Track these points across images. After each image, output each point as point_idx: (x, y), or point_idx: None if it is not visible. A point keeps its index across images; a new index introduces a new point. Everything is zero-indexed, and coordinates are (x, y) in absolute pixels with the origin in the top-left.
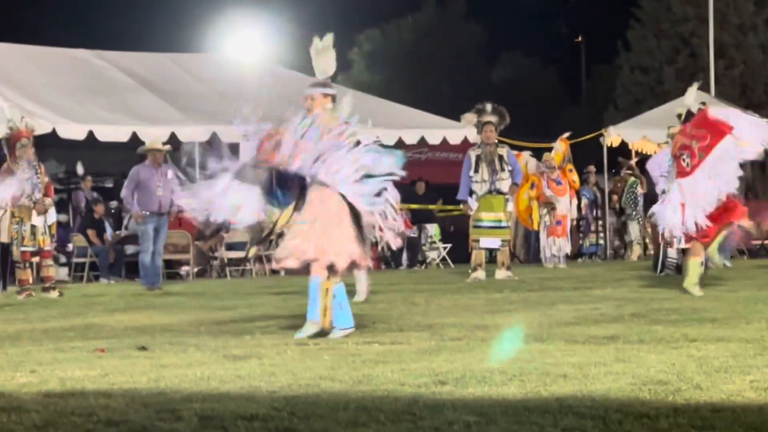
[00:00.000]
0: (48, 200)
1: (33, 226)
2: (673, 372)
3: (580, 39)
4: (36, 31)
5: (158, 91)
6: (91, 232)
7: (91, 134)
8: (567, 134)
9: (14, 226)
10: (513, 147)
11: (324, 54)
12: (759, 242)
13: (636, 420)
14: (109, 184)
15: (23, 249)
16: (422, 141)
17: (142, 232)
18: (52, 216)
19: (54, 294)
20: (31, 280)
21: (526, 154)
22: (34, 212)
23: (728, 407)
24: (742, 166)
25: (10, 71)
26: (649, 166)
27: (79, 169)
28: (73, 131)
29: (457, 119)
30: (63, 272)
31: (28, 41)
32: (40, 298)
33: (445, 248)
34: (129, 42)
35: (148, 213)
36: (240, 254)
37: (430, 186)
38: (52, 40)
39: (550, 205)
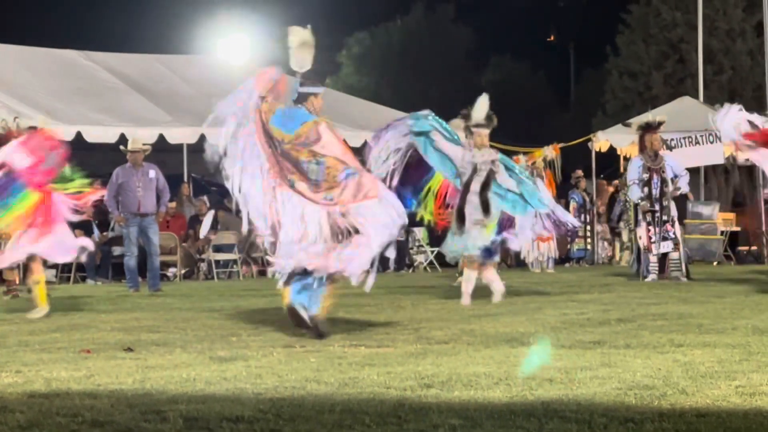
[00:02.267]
0: None
1: None
2: (659, 377)
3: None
4: (24, 32)
5: (146, 93)
6: (78, 233)
7: (78, 135)
8: (560, 145)
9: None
10: (502, 152)
11: (305, 48)
12: (746, 248)
13: (621, 424)
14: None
15: None
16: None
17: (126, 234)
18: None
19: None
20: (18, 281)
21: (523, 159)
22: None
23: (713, 412)
24: (730, 172)
25: None
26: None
27: (67, 171)
28: (60, 132)
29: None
30: (50, 273)
31: (16, 42)
32: (26, 299)
33: (432, 252)
34: (117, 43)
35: (130, 215)
36: (227, 256)
37: None
38: (40, 40)
39: None
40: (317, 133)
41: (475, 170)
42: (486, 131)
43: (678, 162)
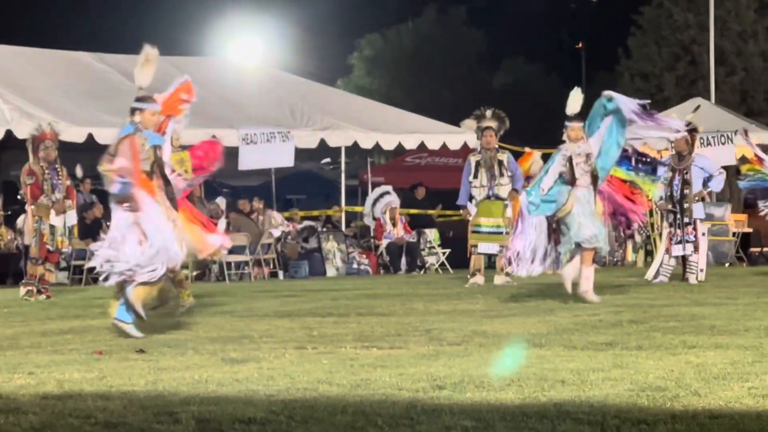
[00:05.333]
0: (68, 201)
1: (52, 226)
2: (672, 378)
3: (580, 46)
4: (37, 34)
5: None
6: (87, 241)
7: (90, 137)
8: None
9: (34, 224)
10: (514, 153)
11: (145, 66)
12: (758, 250)
13: (634, 426)
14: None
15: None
16: (422, 146)
17: None
18: (72, 218)
19: (41, 297)
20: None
21: (537, 154)
22: (52, 212)
23: (726, 414)
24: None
25: (11, 73)
26: None
27: (79, 172)
28: (72, 134)
29: (458, 125)
30: (62, 275)
31: (29, 44)
32: (38, 300)
33: (444, 253)
34: (130, 45)
35: None
36: (239, 258)
37: (430, 191)
38: (53, 42)
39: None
40: (116, 149)
41: (570, 164)
42: (581, 124)
43: (711, 162)
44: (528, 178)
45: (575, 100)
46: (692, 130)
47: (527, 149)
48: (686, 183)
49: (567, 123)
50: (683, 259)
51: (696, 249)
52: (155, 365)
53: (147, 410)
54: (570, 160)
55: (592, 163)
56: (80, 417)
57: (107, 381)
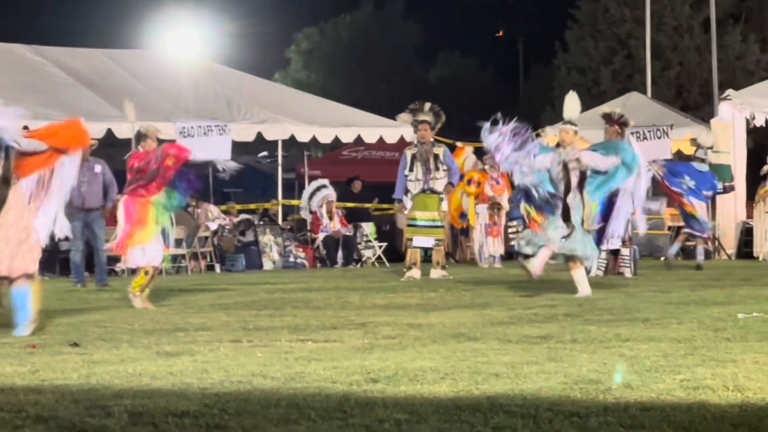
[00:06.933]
0: None
1: None
2: (605, 371)
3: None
4: None
5: (94, 87)
6: None
7: (26, 130)
8: None
9: None
10: (449, 147)
11: None
12: (693, 244)
13: (566, 418)
14: None
15: None
16: (359, 140)
17: (70, 229)
18: None
19: None
20: None
21: (469, 149)
22: None
23: (658, 406)
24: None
25: None
26: None
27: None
28: None
29: (394, 118)
30: None
31: None
32: None
33: (380, 247)
34: (65, 37)
35: (74, 210)
36: (175, 251)
37: (366, 185)
38: None
39: (497, 205)
40: None
41: (566, 169)
42: (574, 128)
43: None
44: (462, 175)
45: (573, 103)
46: (623, 124)
47: (459, 144)
48: None
49: (562, 126)
50: (614, 254)
51: (624, 243)
52: (89, 359)
53: (79, 404)
54: (566, 166)
55: (582, 166)
56: (11, 411)
57: (40, 375)
